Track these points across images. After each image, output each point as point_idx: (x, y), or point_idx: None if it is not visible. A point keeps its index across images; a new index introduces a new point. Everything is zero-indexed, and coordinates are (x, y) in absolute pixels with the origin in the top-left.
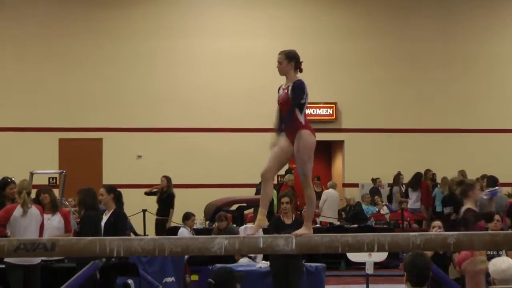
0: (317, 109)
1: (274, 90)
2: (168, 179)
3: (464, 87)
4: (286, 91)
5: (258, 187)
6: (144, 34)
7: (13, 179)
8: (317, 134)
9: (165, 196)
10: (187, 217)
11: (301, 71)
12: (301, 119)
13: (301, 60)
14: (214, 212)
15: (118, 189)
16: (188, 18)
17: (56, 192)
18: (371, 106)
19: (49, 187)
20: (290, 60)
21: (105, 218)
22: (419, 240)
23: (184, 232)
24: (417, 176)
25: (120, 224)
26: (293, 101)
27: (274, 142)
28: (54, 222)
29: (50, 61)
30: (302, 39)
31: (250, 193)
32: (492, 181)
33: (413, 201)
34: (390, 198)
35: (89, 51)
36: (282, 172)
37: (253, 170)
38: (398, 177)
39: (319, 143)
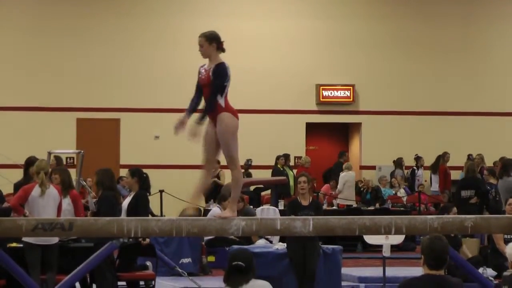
0: (335, 91)
1: (293, 72)
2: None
3: (483, 70)
4: (207, 73)
5: (275, 169)
6: (166, 13)
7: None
8: (334, 116)
9: None
10: (224, 197)
11: (223, 51)
12: (221, 102)
13: (222, 40)
14: (230, 193)
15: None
16: None
17: (73, 172)
18: (389, 89)
19: (60, 167)
20: (211, 42)
21: (128, 199)
22: (436, 223)
23: (216, 211)
24: (438, 159)
25: (141, 206)
26: (214, 85)
27: (182, 121)
28: (64, 204)
29: (68, 41)
30: (319, 20)
31: (266, 174)
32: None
33: (434, 184)
34: (408, 180)
35: (108, 30)
36: (295, 154)
37: (270, 152)
38: (401, 160)
39: (337, 125)
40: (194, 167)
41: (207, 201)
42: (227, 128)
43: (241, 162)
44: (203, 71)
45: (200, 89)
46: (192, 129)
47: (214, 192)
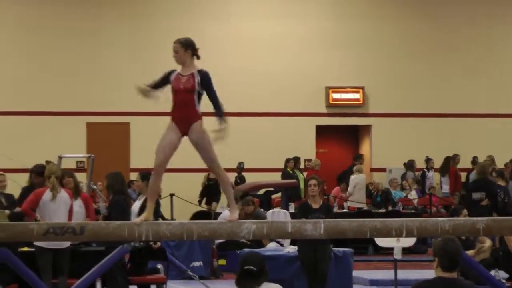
0: (344, 94)
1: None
2: None
3: (493, 71)
4: (192, 78)
5: (285, 172)
6: (176, 16)
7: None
8: (344, 118)
9: None
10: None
11: (198, 58)
12: (198, 108)
13: (197, 47)
14: (241, 196)
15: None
16: (225, 1)
17: (83, 176)
18: (399, 90)
19: (72, 171)
20: (186, 48)
21: (138, 203)
22: (447, 226)
23: (227, 214)
24: (446, 161)
25: None
26: (213, 91)
27: (143, 90)
28: (75, 206)
29: (77, 45)
30: (329, 23)
31: (276, 177)
32: None
33: (444, 186)
34: (419, 183)
35: (118, 34)
36: (305, 157)
37: (279, 155)
38: (412, 162)
39: (347, 127)
40: (203, 171)
41: (209, 203)
42: (206, 135)
43: (233, 165)
44: (181, 77)
45: (166, 79)
46: (145, 90)
47: (215, 194)
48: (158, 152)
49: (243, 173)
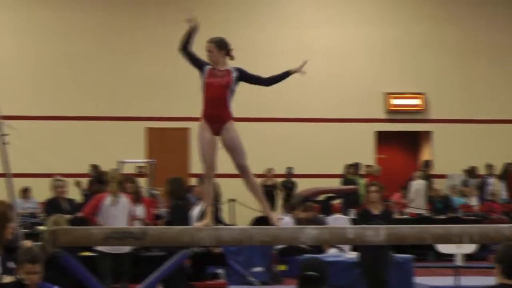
0: (405, 100)
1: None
2: None
3: None
4: (228, 74)
5: (345, 178)
6: (233, 23)
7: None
8: (405, 124)
9: None
10: (294, 206)
11: (232, 58)
12: (231, 107)
13: (231, 47)
14: (301, 202)
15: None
16: (283, 8)
17: (143, 181)
18: (460, 96)
19: (132, 176)
20: (220, 48)
21: (198, 208)
22: (508, 232)
23: (287, 221)
24: (506, 168)
25: None
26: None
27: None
28: (137, 211)
29: (138, 51)
30: (388, 28)
31: (336, 183)
32: None
33: (503, 192)
34: (480, 189)
35: (177, 40)
36: (365, 163)
37: (339, 160)
38: (474, 169)
39: (407, 133)
40: (262, 176)
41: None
42: (238, 135)
43: (281, 170)
44: (218, 72)
45: (201, 65)
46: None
47: (270, 200)
48: (203, 156)
49: (295, 179)
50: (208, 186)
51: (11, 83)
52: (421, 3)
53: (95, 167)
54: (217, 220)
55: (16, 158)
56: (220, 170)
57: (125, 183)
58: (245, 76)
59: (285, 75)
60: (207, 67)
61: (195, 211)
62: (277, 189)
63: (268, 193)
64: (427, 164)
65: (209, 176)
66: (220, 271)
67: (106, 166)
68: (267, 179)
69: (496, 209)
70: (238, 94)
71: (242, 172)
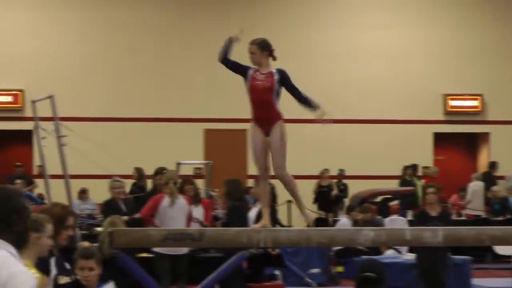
0: (462, 101)
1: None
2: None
3: None
4: (270, 76)
5: (402, 179)
6: (292, 24)
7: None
8: (462, 126)
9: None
10: (352, 207)
11: (274, 59)
12: (278, 107)
13: (273, 47)
14: (359, 203)
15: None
16: (341, 9)
17: (201, 182)
18: None
19: (192, 177)
20: (263, 49)
21: (255, 209)
22: None
23: (345, 223)
24: None
25: None
26: (293, 86)
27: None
28: (196, 213)
29: (195, 53)
30: (446, 30)
31: (394, 185)
32: None
33: None
34: None
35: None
36: (423, 164)
37: (397, 162)
38: None
39: (465, 134)
40: (319, 178)
41: (323, 210)
42: (283, 137)
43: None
44: (260, 75)
45: (243, 71)
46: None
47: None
48: (255, 158)
49: (352, 180)
50: (263, 187)
51: (69, 84)
52: (479, 7)
53: (138, 170)
54: (274, 221)
55: (73, 160)
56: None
57: (185, 184)
58: (284, 81)
59: (313, 107)
60: (251, 70)
61: (253, 212)
62: (332, 190)
63: (324, 194)
64: (492, 165)
65: (264, 177)
66: (277, 272)
67: (167, 167)
68: (322, 179)
69: None
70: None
71: (279, 172)
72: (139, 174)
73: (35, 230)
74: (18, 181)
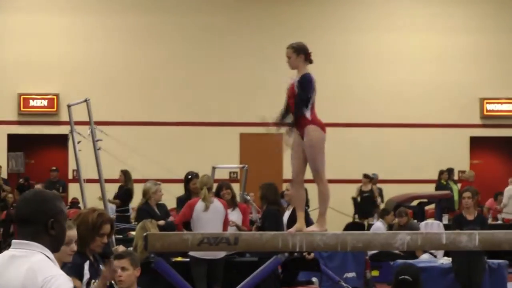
0: (499, 105)
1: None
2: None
3: None
4: (293, 83)
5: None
6: (324, 28)
7: (196, 174)
8: (500, 130)
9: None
10: (387, 212)
11: (311, 62)
12: (307, 114)
13: (309, 51)
14: (394, 207)
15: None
16: (382, 13)
17: (236, 186)
18: None
19: (229, 181)
20: (298, 53)
21: (287, 213)
22: None
23: (379, 226)
24: None
25: None
26: (299, 96)
27: (286, 140)
28: (233, 217)
29: (233, 56)
30: (482, 34)
31: (430, 189)
32: None
33: None
34: None
35: (272, 47)
36: (459, 168)
37: (433, 166)
38: None
39: (502, 138)
40: (353, 182)
41: (363, 217)
42: (313, 142)
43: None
44: (290, 83)
45: (287, 101)
46: (286, 139)
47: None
48: (291, 161)
49: (388, 184)
50: (297, 191)
51: (104, 88)
52: None
53: (124, 173)
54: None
55: (109, 164)
56: (310, 176)
57: (222, 189)
58: (299, 87)
59: (287, 124)
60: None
61: (286, 216)
62: (374, 195)
63: (366, 199)
64: None
65: (296, 181)
66: (314, 278)
67: (201, 171)
68: (363, 185)
69: None
70: (333, 99)
71: (314, 177)
72: (126, 177)
73: None
74: None
